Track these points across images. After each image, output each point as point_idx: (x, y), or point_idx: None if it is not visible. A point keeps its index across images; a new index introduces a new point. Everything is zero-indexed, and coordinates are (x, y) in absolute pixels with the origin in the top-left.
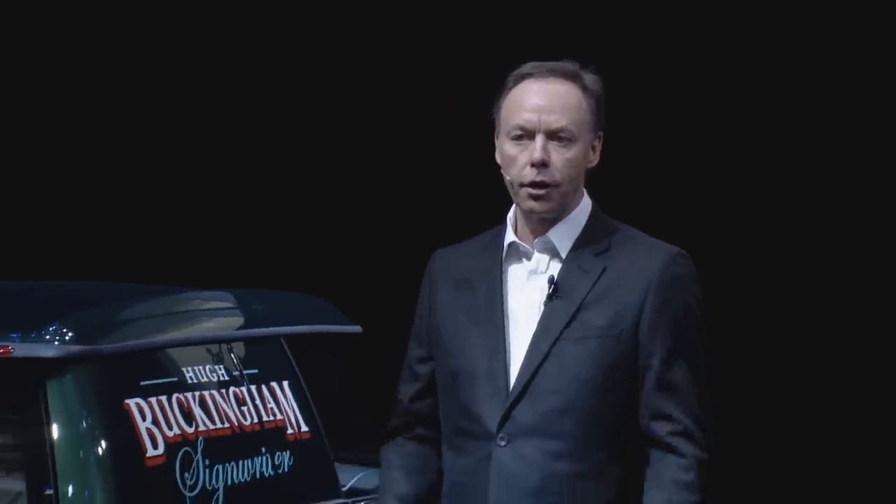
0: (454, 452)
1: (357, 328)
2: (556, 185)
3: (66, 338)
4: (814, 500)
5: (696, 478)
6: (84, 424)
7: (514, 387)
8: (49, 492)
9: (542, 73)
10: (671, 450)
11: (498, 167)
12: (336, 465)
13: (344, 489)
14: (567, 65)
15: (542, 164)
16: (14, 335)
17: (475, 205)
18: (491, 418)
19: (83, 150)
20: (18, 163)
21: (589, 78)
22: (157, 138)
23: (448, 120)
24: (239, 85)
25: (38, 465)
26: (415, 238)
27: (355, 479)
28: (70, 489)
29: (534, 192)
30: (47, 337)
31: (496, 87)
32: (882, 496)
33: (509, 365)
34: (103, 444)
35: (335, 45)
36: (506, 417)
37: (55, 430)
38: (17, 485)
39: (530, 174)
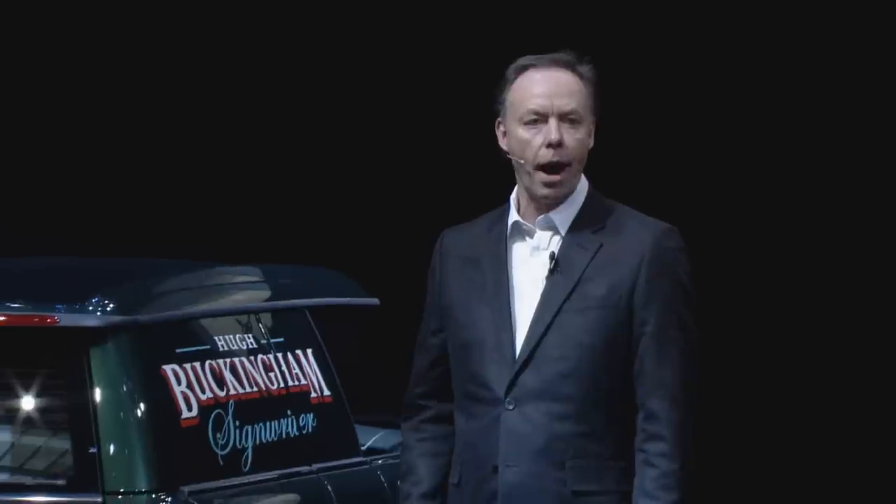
0: (465, 416)
1: (375, 301)
2: (569, 165)
3: (108, 309)
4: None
5: (678, 450)
6: (124, 389)
7: (519, 355)
8: (93, 451)
9: (543, 63)
10: (654, 424)
11: (497, 152)
12: (355, 426)
13: (363, 448)
14: (564, 55)
15: (558, 144)
16: (59, 307)
17: (484, 183)
18: (499, 384)
19: (123, 135)
20: (63, 150)
21: (584, 67)
22: (190, 126)
23: (458, 103)
24: (263, 68)
25: (82, 426)
26: (428, 218)
27: (373, 439)
28: (111, 448)
29: (548, 178)
30: (90, 308)
31: (494, 79)
32: (873, 478)
33: (515, 335)
34: (142, 406)
35: (353, 22)
36: (513, 383)
37: (97, 395)
38: (63, 444)
39: (546, 154)
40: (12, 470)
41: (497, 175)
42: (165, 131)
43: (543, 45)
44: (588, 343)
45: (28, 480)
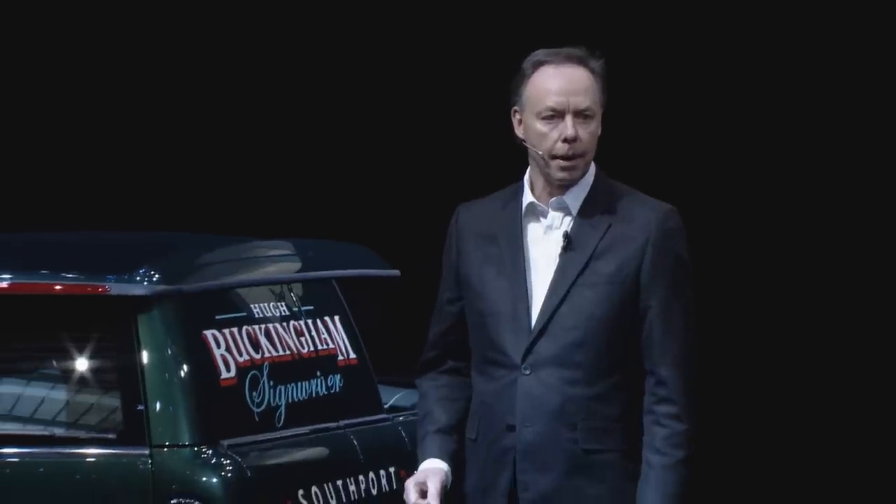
0: (483, 378)
1: (396, 272)
2: (582, 156)
3: (154, 279)
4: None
5: (683, 410)
6: (169, 352)
7: (535, 325)
8: (140, 408)
9: (558, 59)
10: (664, 389)
11: (512, 137)
12: (378, 386)
13: (385, 406)
14: (577, 51)
15: (574, 139)
16: (110, 277)
17: (493, 162)
18: (515, 351)
19: (157, 119)
20: (108, 131)
21: (596, 63)
22: (227, 114)
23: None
24: (284, 49)
25: (130, 386)
26: (442, 198)
27: (395, 398)
28: (157, 406)
29: (565, 163)
30: (137, 278)
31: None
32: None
33: (531, 307)
34: (185, 368)
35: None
36: (529, 350)
37: (144, 357)
38: (113, 403)
39: (562, 148)
40: (67, 425)
41: (504, 153)
42: (202, 120)
43: (553, 30)
44: (598, 315)
45: (82, 434)
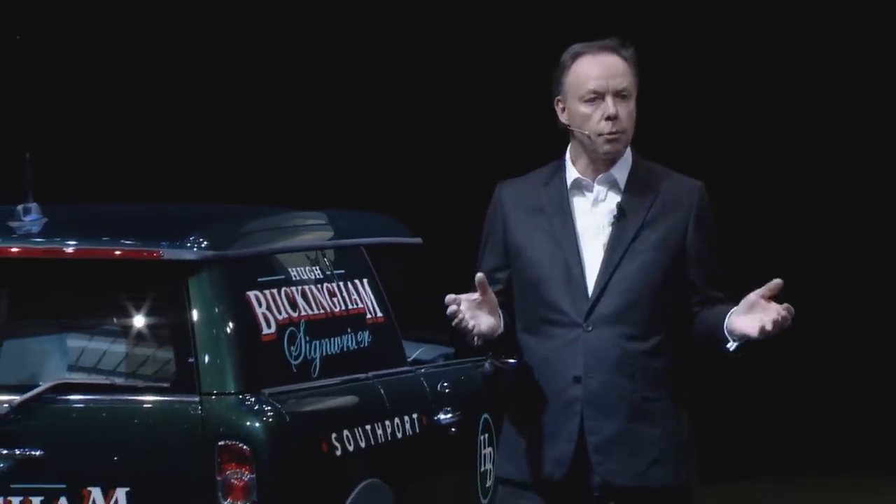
0: (538, 337)
1: (418, 240)
2: (623, 132)
3: (202, 245)
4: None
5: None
6: (216, 310)
7: (593, 287)
8: (191, 360)
9: (594, 49)
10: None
11: (554, 122)
12: (402, 341)
13: (409, 359)
14: (610, 42)
15: (615, 117)
16: (163, 243)
17: (505, 144)
18: (576, 311)
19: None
20: (166, 115)
21: (627, 51)
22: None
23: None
24: (316, 30)
25: (182, 341)
26: (461, 175)
27: (417, 352)
28: (206, 358)
29: (610, 137)
30: (188, 245)
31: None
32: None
33: (585, 270)
34: (230, 324)
35: None
36: (591, 310)
37: (194, 315)
38: (166, 355)
39: (606, 126)
40: (126, 375)
41: (511, 138)
42: (251, 108)
43: (585, 22)
44: (651, 277)
45: (139, 383)
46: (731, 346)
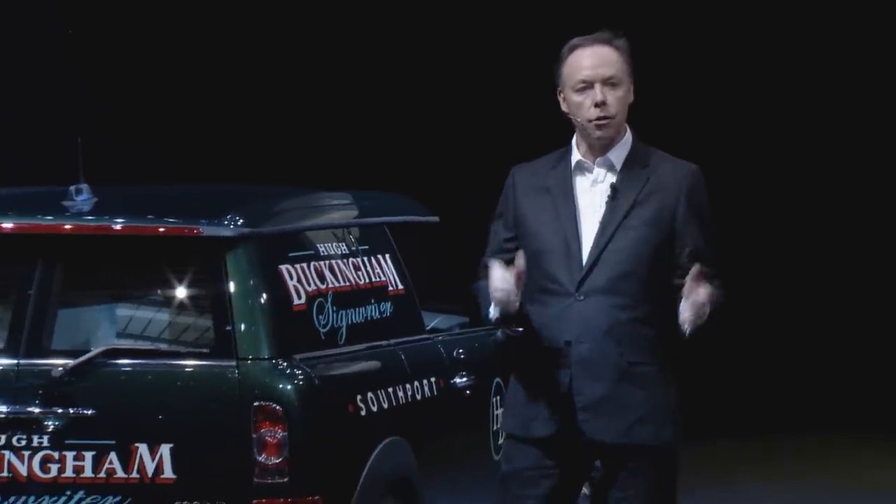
0: (538, 305)
1: (436, 218)
2: (612, 117)
3: (238, 223)
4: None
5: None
6: (251, 282)
7: (587, 260)
8: (228, 328)
9: (588, 42)
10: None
11: (558, 110)
12: (421, 311)
13: (427, 328)
14: (603, 34)
15: (602, 104)
16: (202, 221)
17: (518, 131)
18: (570, 281)
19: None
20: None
21: (619, 41)
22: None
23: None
24: (345, 19)
25: (220, 310)
26: (476, 159)
27: (434, 321)
28: (242, 326)
29: (599, 123)
30: (225, 222)
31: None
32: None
33: (582, 245)
34: (264, 295)
35: None
36: (583, 280)
37: (231, 287)
38: (206, 323)
39: (595, 112)
40: (169, 342)
41: (520, 124)
42: (287, 98)
43: (591, 12)
44: (640, 252)
45: (181, 349)
46: (685, 331)
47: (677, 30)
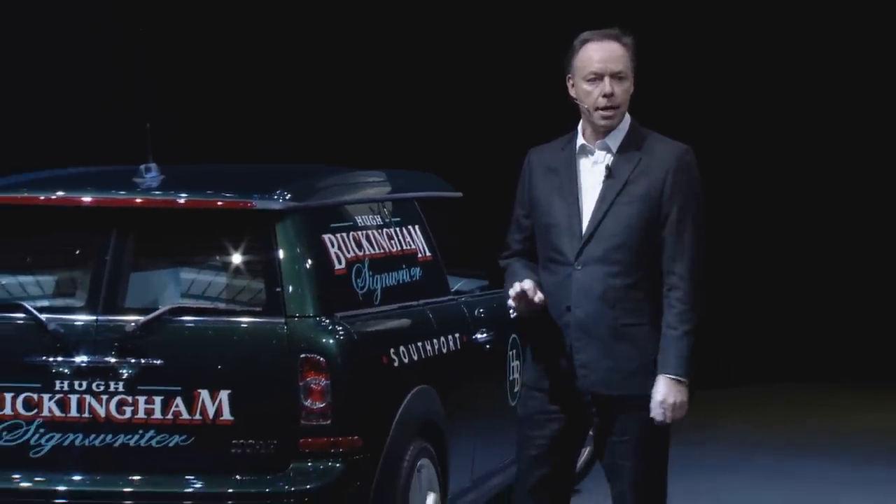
0: (546, 272)
1: (459, 194)
2: (618, 107)
3: (287, 197)
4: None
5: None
6: (298, 249)
7: (585, 232)
8: (278, 290)
9: (599, 37)
10: (674, 278)
11: (566, 96)
12: (447, 276)
13: (452, 290)
14: (612, 31)
15: (610, 95)
16: (255, 196)
17: (534, 117)
18: (570, 252)
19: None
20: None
21: (627, 38)
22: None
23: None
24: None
25: (271, 274)
26: (497, 140)
27: (458, 284)
28: (290, 288)
29: (605, 113)
30: (275, 197)
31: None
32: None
33: (582, 219)
34: (309, 261)
35: None
36: (580, 251)
37: (281, 254)
38: (259, 286)
39: (603, 102)
40: (227, 301)
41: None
42: (331, 85)
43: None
44: (631, 225)
45: (237, 308)
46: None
47: (676, 26)
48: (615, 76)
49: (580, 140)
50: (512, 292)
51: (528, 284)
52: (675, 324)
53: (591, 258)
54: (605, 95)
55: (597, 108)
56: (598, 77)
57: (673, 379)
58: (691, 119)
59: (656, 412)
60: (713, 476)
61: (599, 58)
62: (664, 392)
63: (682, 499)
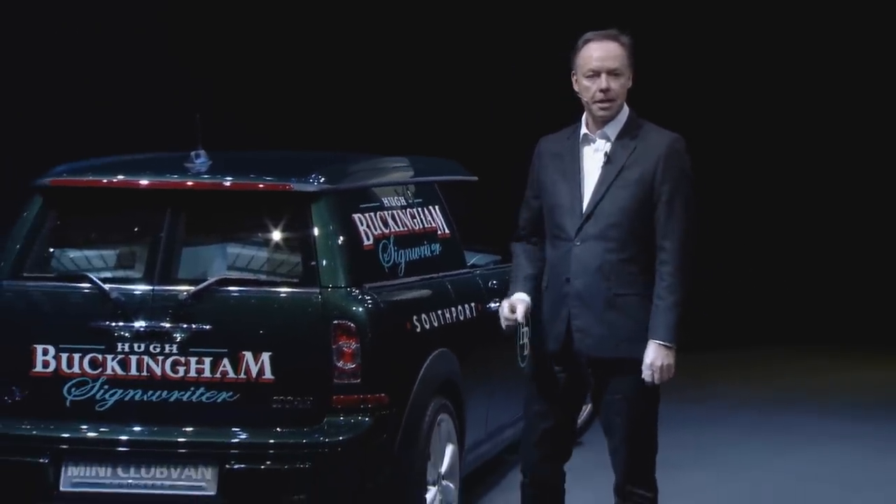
0: (551, 247)
1: (475, 178)
2: (614, 100)
3: (321, 180)
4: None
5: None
6: (331, 227)
7: (584, 212)
8: (313, 263)
9: (599, 37)
10: (665, 254)
11: (571, 89)
12: (463, 251)
13: (468, 264)
14: (611, 32)
15: (606, 90)
16: (293, 179)
17: (547, 107)
18: (571, 229)
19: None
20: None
21: (624, 38)
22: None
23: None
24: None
25: (307, 249)
26: (510, 129)
27: (474, 258)
28: (324, 261)
29: (602, 105)
30: (311, 180)
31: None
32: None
33: (583, 200)
34: (341, 238)
35: None
36: (580, 229)
37: (315, 231)
38: (296, 259)
39: (600, 96)
40: (267, 273)
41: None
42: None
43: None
44: (627, 206)
45: (277, 279)
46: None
47: (676, 22)
48: (611, 73)
49: (583, 129)
50: (502, 312)
51: (518, 314)
52: (664, 295)
53: (589, 235)
54: (601, 90)
55: (595, 102)
56: (596, 74)
57: (661, 344)
58: (690, 103)
59: (646, 374)
60: (700, 430)
61: (598, 56)
62: (653, 356)
63: (671, 450)
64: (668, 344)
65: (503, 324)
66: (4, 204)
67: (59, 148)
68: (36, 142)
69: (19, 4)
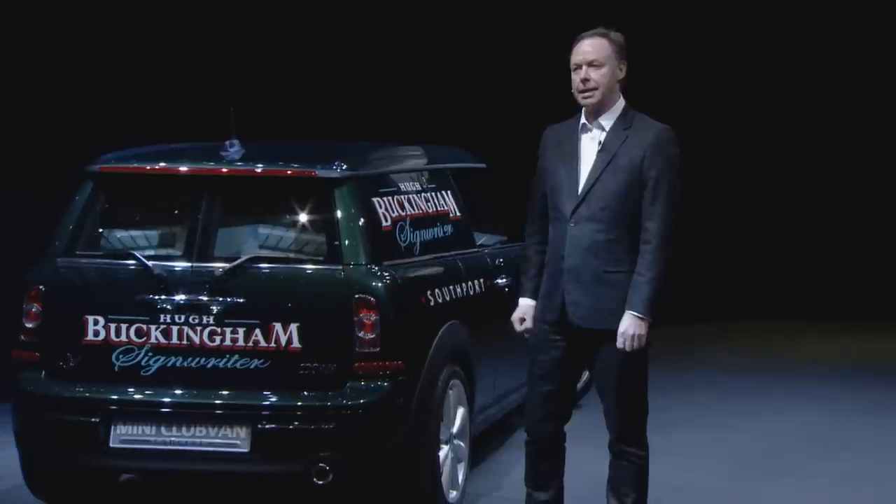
0: (552, 227)
1: (485, 165)
2: (595, 90)
3: (343, 167)
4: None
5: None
6: (352, 210)
7: (579, 195)
8: (336, 243)
9: (588, 35)
10: (647, 234)
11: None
12: (473, 232)
13: (477, 244)
14: (600, 29)
15: (585, 80)
16: (318, 166)
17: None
18: (568, 211)
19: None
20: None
21: (614, 35)
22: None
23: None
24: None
25: (330, 231)
26: (517, 116)
27: (482, 239)
28: (346, 241)
29: (583, 94)
30: (333, 167)
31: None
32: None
33: (578, 185)
34: (361, 219)
35: None
36: (574, 211)
37: (338, 213)
38: (321, 239)
39: (580, 86)
40: (295, 251)
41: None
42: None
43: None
44: (616, 191)
45: (303, 257)
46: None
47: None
48: (591, 64)
49: (582, 119)
50: (515, 324)
51: (528, 324)
52: (643, 271)
53: (582, 217)
54: (582, 80)
55: (578, 92)
56: (578, 66)
57: (636, 316)
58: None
59: (619, 342)
60: (689, 394)
61: (580, 51)
62: (626, 325)
63: (661, 413)
64: (641, 315)
65: (517, 329)
66: (54, 189)
67: (99, 138)
68: (76, 132)
69: (56, 8)
